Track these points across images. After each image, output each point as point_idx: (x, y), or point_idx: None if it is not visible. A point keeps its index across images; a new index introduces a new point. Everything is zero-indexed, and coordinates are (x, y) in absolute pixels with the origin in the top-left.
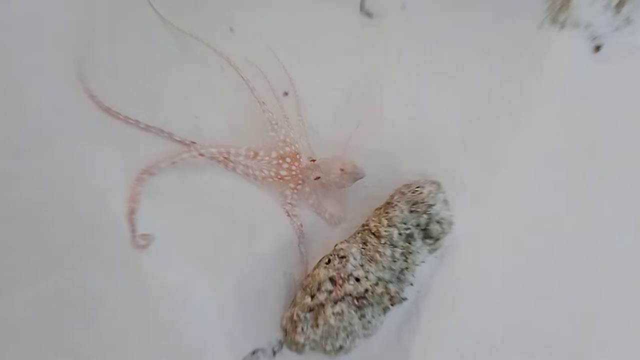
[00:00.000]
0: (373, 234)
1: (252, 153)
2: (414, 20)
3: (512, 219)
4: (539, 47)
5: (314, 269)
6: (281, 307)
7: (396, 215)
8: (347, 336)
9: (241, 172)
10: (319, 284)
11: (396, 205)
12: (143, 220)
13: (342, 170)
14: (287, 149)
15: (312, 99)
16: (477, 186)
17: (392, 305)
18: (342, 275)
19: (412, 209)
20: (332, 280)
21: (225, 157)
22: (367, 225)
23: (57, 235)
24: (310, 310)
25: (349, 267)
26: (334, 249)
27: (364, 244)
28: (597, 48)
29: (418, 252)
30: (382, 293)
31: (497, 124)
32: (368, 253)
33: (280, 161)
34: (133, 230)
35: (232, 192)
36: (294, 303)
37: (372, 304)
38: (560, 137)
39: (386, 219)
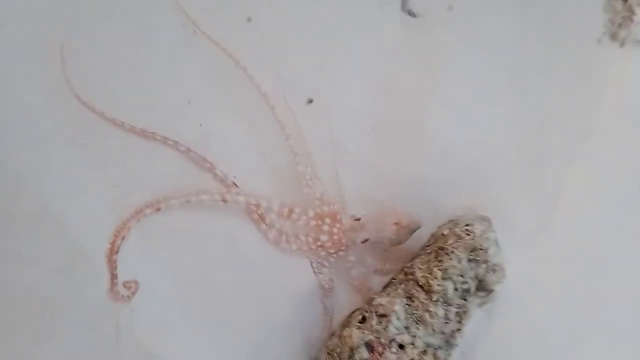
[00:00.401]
0: (421, 286)
1: (286, 210)
2: (462, 23)
3: (567, 266)
4: (598, 64)
5: (343, 327)
6: None
7: (453, 266)
8: None
9: (273, 238)
10: (352, 350)
11: (452, 252)
12: (129, 264)
13: (396, 224)
14: (325, 208)
15: (342, 109)
16: (529, 225)
17: None
18: (383, 340)
19: (471, 257)
20: (369, 346)
21: (255, 211)
22: (411, 275)
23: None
24: None
25: (392, 329)
26: (371, 304)
27: (409, 298)
28: None
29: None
30: None
31: (551, 152)
32: (415, 312)
33: (320, 222)
34: (114, 275)
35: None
36: None
37: None
38: (619, 169)
39: (440, 269)
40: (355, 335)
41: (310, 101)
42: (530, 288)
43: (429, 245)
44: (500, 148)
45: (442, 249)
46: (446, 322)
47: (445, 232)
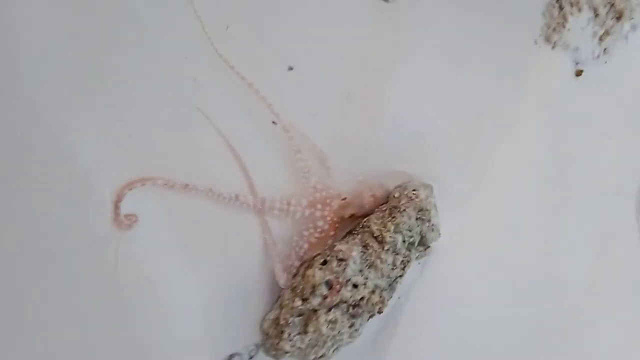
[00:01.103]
0: (375, 237)
1: (285, 203)
2: (427, 10)
3: (489, 229)
4: (532, 62)
5: (307, 268)
6: (262, 308)
7: (404, 222)
8: (333, 345)
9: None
10: (314, 287)
11: (404, 210)
12: (129, 200)
13: (372, 196)
14: (318, 195)
15: (318, 81)
16: (460, 193)
17: (379, 313)
18: (341, 279)
19: (418, 216)
20: (328, 283)
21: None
22: (368, 228)
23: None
24: (300, 315)
25: (348, 271)
26: (332, 250)
27: (365, 247)
28: (579, 73)
29: (412, 260)
30: (376, 302)
31: (483, 132)
32: (369, 259)
33: (312, 210)
34: (117, 207)
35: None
36: (280, 304)
37: (363, 313)
38: (538, 150)
39: (393, 224)
40: (317, 274)
41: (291, 69)
42: (458, 245)
43: (381, 206)
44: (442, 125)
45: (395, 207)
46: (393, 269)
47: (396, 195)
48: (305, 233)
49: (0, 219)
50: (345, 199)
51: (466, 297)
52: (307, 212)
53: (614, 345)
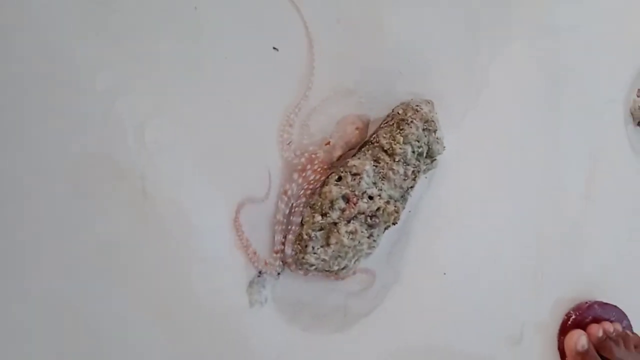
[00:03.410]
0: (385, 151)
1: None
2: None
3: (488, 143)
4: None
5: (323, 185)
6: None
7: (412, 133)
8: (354, 256)
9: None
10: (332, 202)
11: (412, 122)
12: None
13: (357, 129)
14: (303, 159)
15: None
16: (459, 110)
17: (393, 224)
18: (357, 193)
19: (424, 127)
20: (345, 198)
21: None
22: (377, 143)
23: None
24: (321, 229)
25: (363, 185)
26: (345, 166)
27: (376, 161)
28: None
29: (422, 170)
30: (391, 212)
31: (479, 51)
32: (381, 171)
33: (304, 174)
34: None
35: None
36: (301, 221)
37: (380, 223)
38: (532, 68)
39: (401, 135)
40: (334, 190)
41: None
42: (460, 159)
43: (387, 122)
44: (440, 44)
45: (403, 120)
46: (404, 179)
47: (399, 112)
48: (301, 192)
49: (29, 151)
50: (329, 143)
51: (471, 207)
52: (300, 179)
53: (610, 246)
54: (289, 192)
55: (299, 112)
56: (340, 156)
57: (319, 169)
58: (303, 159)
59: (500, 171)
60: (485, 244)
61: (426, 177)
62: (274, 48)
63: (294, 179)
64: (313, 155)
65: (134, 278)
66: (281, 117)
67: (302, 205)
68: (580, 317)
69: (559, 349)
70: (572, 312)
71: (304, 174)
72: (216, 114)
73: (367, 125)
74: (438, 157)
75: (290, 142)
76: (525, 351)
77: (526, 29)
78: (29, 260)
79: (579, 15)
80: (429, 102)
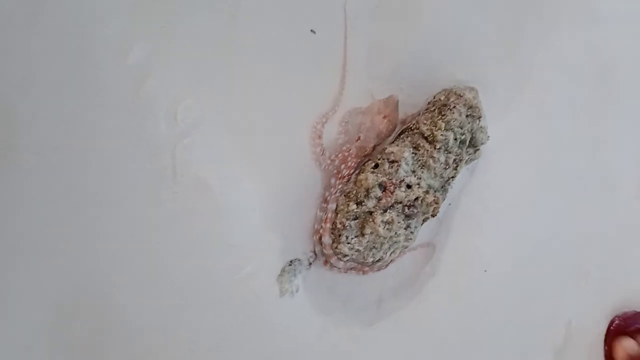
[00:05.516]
0: (425, 138)
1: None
2: None
3: (535, 133)
4: None
5: (359, 173)
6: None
7: (454, 119)
8: (389, 247)
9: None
10: (367, 190)
11: (455, 107)
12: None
13: (384, 117)
14: (337, 162)
15: None
16: (503, 98)
17: (432, 216)
18: (394, 181)
19: (468, 113)
20: (382, 186)
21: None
22: (417, 129)
23: None
24: (355, 218)
25: (401, 172)
26: (383, 152)
27: (415, 148)
28: None
29: (464, 160)
30: (430, 202)
31: (524, 38)
32: (421, 159)
33: (341, 178)
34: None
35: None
36: (335, 210)
37: (418, 214)
38: (577, 55)
39: (443, 121)
40: (370, 178)
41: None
42: (505, 149)
43: (428, 108)
44: (483, 30)
45: (445, 105)
46: (445, 168)
47: (441, 97)
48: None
49: (59, 125)
50: (359, 138)
51: (515, 201)
52: (340, 184)
53: None
54: (328, 199)
55: (326, 122)
56: (375, 147)
57: (352, 165)
58: (337, 161)
59: (546, 165)
60: (528, 242)
61: (468, 169)
62: (312, 31)
63: (332, 184)
64: (346, 154)
65: (162, 260)
66: (317, 97)
67: (337, 192)
68: (625, 324)
69: (605, 356)
70: (616, 318)
71: (339, 175)
72: (250, 94)
73: (395, 107)
74: (481, 147)
75: (323, 151)
76: (567, 355)
77: (574, 16)
78: (58, 239)
79: (628, 3)
80: (472, 89)
